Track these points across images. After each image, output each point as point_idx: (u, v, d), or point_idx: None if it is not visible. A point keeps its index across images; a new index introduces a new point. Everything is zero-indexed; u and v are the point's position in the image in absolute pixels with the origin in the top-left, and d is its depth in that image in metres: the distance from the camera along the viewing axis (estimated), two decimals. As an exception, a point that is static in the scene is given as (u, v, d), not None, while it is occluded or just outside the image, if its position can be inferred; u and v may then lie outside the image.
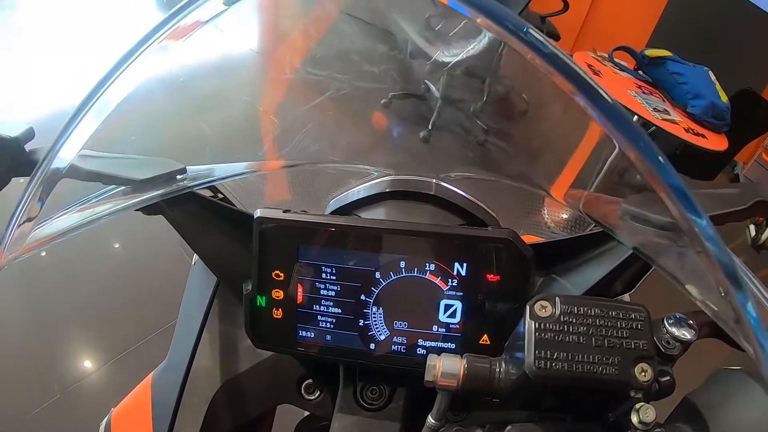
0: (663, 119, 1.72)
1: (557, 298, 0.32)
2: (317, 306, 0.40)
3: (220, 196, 0.51)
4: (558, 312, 0.31)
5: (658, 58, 1.91)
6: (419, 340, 0.40)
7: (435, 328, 0.39)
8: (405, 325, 0.40)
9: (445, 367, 0.33)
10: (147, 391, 0.49)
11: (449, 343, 0.39)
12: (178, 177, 0.42)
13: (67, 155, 0.33)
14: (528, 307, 0.32)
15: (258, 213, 0.39)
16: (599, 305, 0.31)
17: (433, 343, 0.40)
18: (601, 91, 0.25)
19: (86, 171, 0.42)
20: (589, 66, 1.88)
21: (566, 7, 2.52)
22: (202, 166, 0.45)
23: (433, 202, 0.48)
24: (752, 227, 2.61)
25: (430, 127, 2.38)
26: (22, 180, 0.39)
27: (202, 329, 0.47)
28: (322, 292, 0.40)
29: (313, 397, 0.47)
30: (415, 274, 0.39)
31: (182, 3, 0.29)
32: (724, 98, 1.83)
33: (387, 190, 0.48)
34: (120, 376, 1.49)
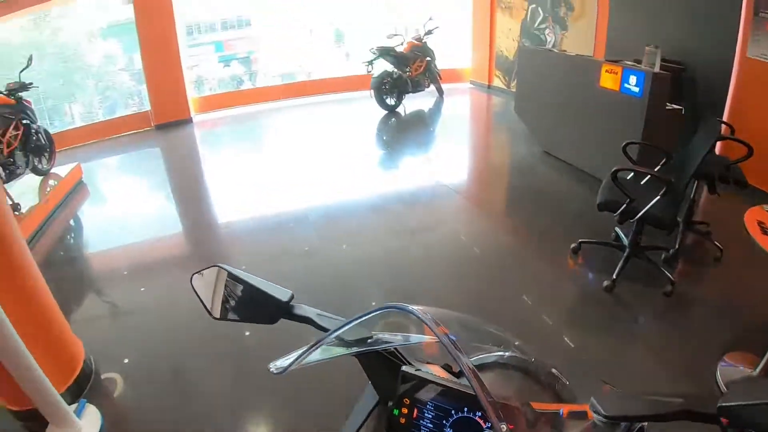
0: None
1: None
2: (420, 421, 0.65)
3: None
4: None
5: None
6: None
7: None
8: None
9: None
10: None
11: None
12: (368, 341, 0.65)
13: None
14: None
15: (403, 368, 0.67)
16: None
17: None
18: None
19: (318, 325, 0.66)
20: (759, 223, 1.79)
21: (751, 152, 2.46)
22: (388, 334, 0.67)
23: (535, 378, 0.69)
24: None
25: (614, 276, 2.40)
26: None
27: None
28: (425, 414, 0.65)
29: None
30: (473, 416, 0.61)
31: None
32: None
33: (505, 362, 0.71)
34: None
